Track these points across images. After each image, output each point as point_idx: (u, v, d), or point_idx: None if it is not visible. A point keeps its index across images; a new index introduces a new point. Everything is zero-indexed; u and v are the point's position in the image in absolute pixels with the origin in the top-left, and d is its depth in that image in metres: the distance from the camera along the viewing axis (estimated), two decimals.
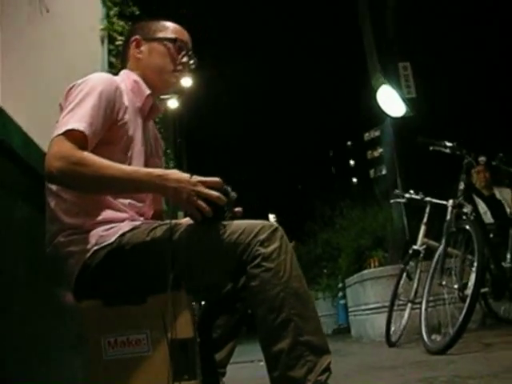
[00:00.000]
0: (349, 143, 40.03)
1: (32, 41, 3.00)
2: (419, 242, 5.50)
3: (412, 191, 5.80)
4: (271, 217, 49.93)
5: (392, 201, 7.13)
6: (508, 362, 3.25)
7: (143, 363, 1.91)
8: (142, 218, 2.14)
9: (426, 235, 5.51)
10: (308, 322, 1.86)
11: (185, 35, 2.33)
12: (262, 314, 1.86)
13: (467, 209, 4.72)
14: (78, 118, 1.89)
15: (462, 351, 3.97)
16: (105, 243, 1.94)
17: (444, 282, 4.43)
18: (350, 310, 8.63)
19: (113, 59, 5.18)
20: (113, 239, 1.95)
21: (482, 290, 5.07)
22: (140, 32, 2.30)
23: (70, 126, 1.86)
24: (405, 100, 7.93)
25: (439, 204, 5.28)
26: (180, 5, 12.18)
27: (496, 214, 5.88)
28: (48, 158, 1.84)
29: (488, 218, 5.90)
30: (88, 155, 1.86)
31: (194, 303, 2.09)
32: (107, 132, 2.01)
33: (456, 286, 4.33)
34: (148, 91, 2.22)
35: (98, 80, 2.04)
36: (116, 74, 5.22)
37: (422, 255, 5.47)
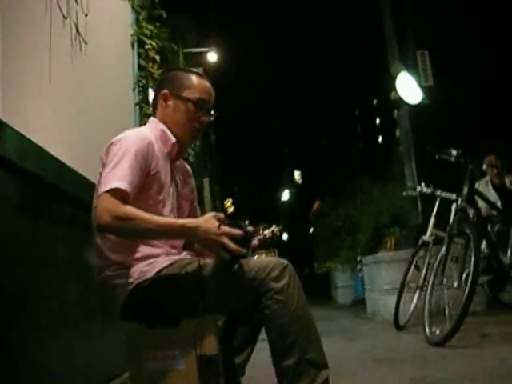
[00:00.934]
0: (375, 102, 39.68)
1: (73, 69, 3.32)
2: (428, 233, 5.86)
3: (423, 184, 6.14)
4: (297, 173, 49.79)
5: (404, 193, 7.49)
6: (496, 362, 3.63)
7: (176, 375, 2.36)
8: (174, 251, 2.58)
9: (435, 226, 5.87)
10: (311, 343, 2.32)
11: (207, 94, 2.67)
12: (274, 338, 2.32)
13: (470, 212, 5.10)
14: (120, 177, 2.30)
15: (459, 343, 4.39)
16: (146, 277, 2.39)
17: (445, 280, 4.84)
18: (365, 286, 9.06)
19: (142, 62, 5.54)
20: (152, 274, 2.40)
21: (486, 278, 5.49)
22: (169, 85, 2.67)
23: (114, 185, 2.28)
24: (422, 87, 8.18)
25: (448, 198, 5.60)
26: None
27: (505, 204, 6.21)
28: (98, 213, 2.26)
29: (498, 206, 6.27)
30: (131, 210, 2.27)
31: (219, 322, 2.54)
32: (142, 181, 2.43)
33: (455, 285, 4.75)
34: (173, 139, 2.62)
35: (132, 139, 2.45)
36: (145, 76, 5.60)
37: (431, 245, 5.83)
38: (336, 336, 6.05)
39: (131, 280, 2.39)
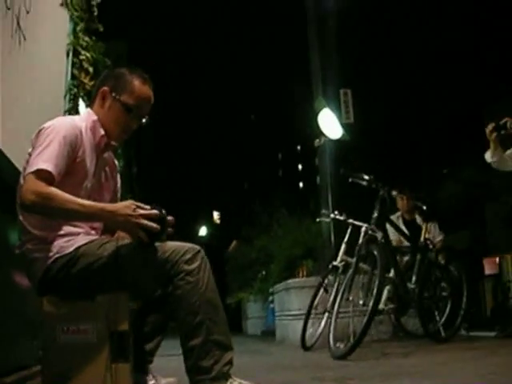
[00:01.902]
0: (298, 148, 40.35)
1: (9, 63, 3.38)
2: (339, 259, 6.11)
3: (337, 212, 6.42)
4: (215, 214, 49.88)
5: (318, 219, 7.78)
6: (392, 368, 3.90)
7: (89, 348, 2.46)
8: (93, 232, 2.70)
9: (345, 253, 6.13)
10: (217, 325, 2.49)
11: (145, 101, 2.79)
12: (182, 316, 2.47)
13: (378, 235, 5.38)
14: (46, 159, 2.42)
15: (360, 358, 4.62)
16: (64, 252, 2.50)
17: (351, 298, 5.08)
18: (276, 314, 9.24)
19: (75, 71, 5.61)
20: (71, 250, 2.51)
21: (390, 306, 5.76)
22: (111, 83, 2.77)
23: (40, 167, 2.39)
24: (342, 124, 8.54)
25: (359, 226, 5.88)
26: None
27: (413, 238, 6.54)
28: (23, 192, 2.38)
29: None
30: (55, 190, 2.38)
31: (130, 304, 2.66)
32: (68, 166, 2.55)
33: (361, 302, 5.00)
34: (102, 132, 2.74)
35: (62, 126, 2.57)
36: (77, 85, 5.67)
37: (340, 270, 6.07)
38: (245, 354, 6.17)
39: (51, 254, 2.50)
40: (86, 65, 5.67)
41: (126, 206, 2.45)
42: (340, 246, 6.28)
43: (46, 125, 2.58)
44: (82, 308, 2.51)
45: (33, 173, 2.39)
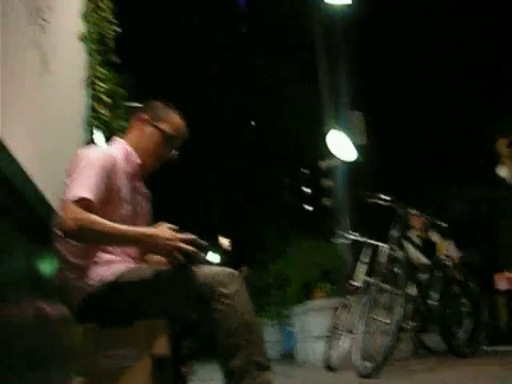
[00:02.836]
0: (305, 171, 40.03)
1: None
2: (360, 279, 6.12)
3: (356, 233, 6.46)
4: (226, 241, 49.81)
5: (336, 241, 7.81)
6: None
7: (129, 373, 2.50)
8: (129, 259, 2.75)
9: (366, 273, 6.13)
10: (255, 346, 2.51)
11: (181, 134, 2.90)
12: (222, 339, 2.49)
13: (398, 254, 5.42)
14: (85, 187, 2.48)
15: (386, 376, 4.63)
16: (104, 280, 2.55)
17: (376, 316, 5.10)
18: (296, 336, 9.24)
19: (95, 103, 5.71)
20: (110, 277, 2.56)
21: (412, 325, 5.77)
22: (151, 113, 2.87)
23: (80, 195, 2.45)
24: (356, 146, 8.61)
25: (379, 245, 5.90)
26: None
27: (429, 255, 6.57)
28: (65, 220, 2.42)
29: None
30: (96, 218, 2.44)
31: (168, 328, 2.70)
32: (105, 195, 2.61)
33: (385, 321, 5.02)
34: (138, 161, 2.83)
35: (99, 155, 2.64)
36: (97, 117, 5.76)
37: (362, 290, 6.06)
38: None
39: (91, 282, 2.54)
40: (103, 96, 5.77)
41: (164, 230, 2.51)
42: (355, 266, 6.32)
43: (82, 152, 2.65)
44: (121, 333, 2.54)
45: (73, 201, 2.44)
